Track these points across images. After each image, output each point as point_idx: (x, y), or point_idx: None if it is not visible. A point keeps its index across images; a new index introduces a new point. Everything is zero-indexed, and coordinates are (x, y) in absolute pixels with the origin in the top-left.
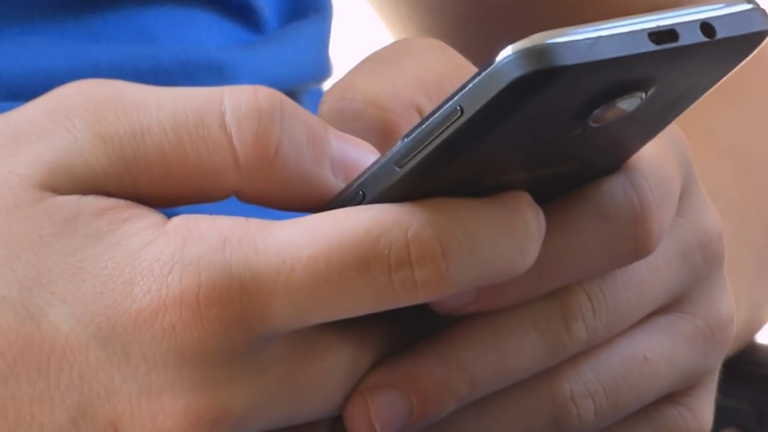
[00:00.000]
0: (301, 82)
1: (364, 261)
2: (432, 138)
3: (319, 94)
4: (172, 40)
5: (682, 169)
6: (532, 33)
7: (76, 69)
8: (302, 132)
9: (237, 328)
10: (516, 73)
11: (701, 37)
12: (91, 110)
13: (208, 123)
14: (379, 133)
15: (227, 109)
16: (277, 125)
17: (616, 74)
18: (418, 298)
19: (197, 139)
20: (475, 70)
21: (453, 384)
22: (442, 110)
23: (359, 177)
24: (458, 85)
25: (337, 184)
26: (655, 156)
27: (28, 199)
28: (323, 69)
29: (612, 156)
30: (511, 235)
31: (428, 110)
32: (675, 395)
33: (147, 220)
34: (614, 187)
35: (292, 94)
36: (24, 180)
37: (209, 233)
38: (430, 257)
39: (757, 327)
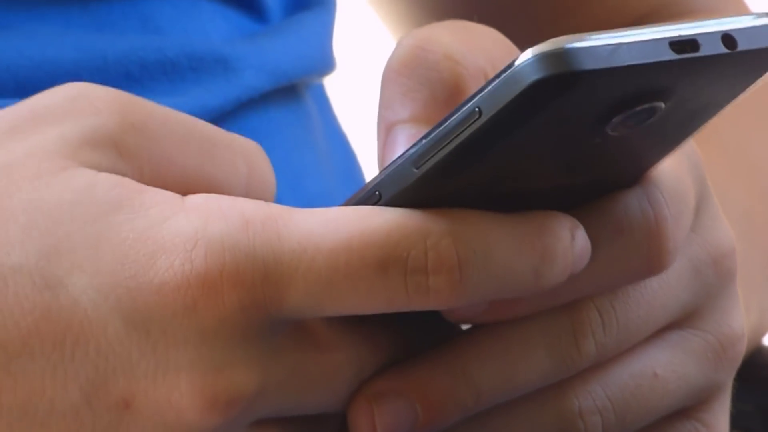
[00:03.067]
0: (305, 75)
1: (383, 261)
2: (450, 139)
3: (321, 89)
4: (176, 29)
5: (696, 184)
6: (532, 33)
7: (83, 61)
8: None
9: (255, 311)
10: (535, 76)
11: (722, 49)
12: (115, 99)
13: (231, 143)
14: (450, 86)
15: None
16: None
17: (636, 82)
18: (429, 305)
19: (219, 156)
20: None
21: (459, 395)
22: (460, 112)
23: (376, 177)
24: None
25: None
26: (672, 170)
27: (52, 167)
28: (327, 62)
29: (629, 169)
30: (528, 254)
31: None
32: (690, 410)
33: (164, 194)
34: (630, 201)
35: (295, 87)
36: (49, 152)
37: (231, 213)
38: (445, 266)
39: (765, 331)
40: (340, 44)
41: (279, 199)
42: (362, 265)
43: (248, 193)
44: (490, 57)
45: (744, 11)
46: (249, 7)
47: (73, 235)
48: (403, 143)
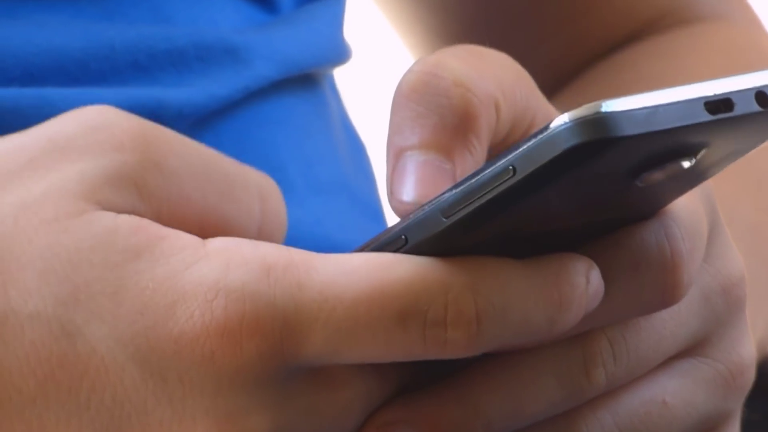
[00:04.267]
0: (317, 65)
1: (403, 313)
2: (482, 194)
3: (332, 80)
4: (186, 18)
5: (708, 213)
6: (540, 37)
7: (91, 50)
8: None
9: (272, 359)
10: (571, 142)
11: (756, 107)
12: (138, 131)
13: (248, 184)
14: (460, 113)
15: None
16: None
17: (669, 141)
18: (444, 355)
19: (237, 196)
20: (536, 88)
21: (469, 425)
22: (494, 167)
23: (403, 221)
24: (526, 97)
25: None
26: (687, 204)
27: (70, 209)
28: (340, 52)
29: (649, 207)
30: (545, 305)
31: (503, 109)
32: None
33: (184, 239)
34: (647, 235)
35: (311, 76)
36: (67, 192)
37: (252, 259)
38: (464, 321)
39: None
40: (350, 38)
41: (290, 186)
42: (382, 317)
43: (261, 232)
44: (501, 83)
45: (751, 16)
46: None
47: (92, 283)
48: (412, 170)
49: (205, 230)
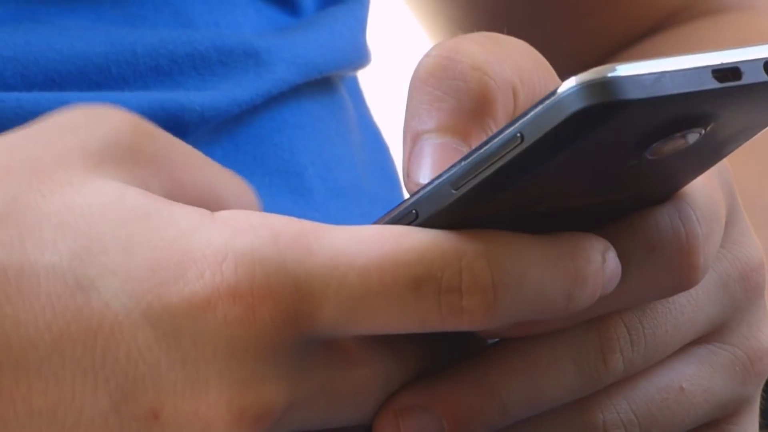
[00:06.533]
0: (338, 68)
1: (416, 280)
2: (490, 162)
3: (355, 81)
4: (208, 22)
5: (726, 198)
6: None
7: (113, 54)
8: None
9: (286, 326)
10: (578, 105)
11: (764, 77)
12: (123, 112)
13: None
14: (477, 97)
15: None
16: None
17: (677, 109)
18: (462, 325)
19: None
20: (555, 76)
21: (485, 410)
22: (502, 136)
23: (414, 195)
24: (545, 84)
25: None
26: (704, 187)
27: (80, 178)
28: (361, 55)
29: (663, 187)
30: (560, 278)
31: (521, 95)
32: (719, 423)
33: (192, 208)
34: (662, 218)
35: (329, 79)
36: (74, 164)
37: (260, 226)
38: (480, 287)
39: None
40: (373, 39)
41: (308, 191)
42: (396, 283)
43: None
44: (519, 69)
45: None
46: (282, 0)
47: (104, 237)
48: (429, 153)
49: (206, 200)
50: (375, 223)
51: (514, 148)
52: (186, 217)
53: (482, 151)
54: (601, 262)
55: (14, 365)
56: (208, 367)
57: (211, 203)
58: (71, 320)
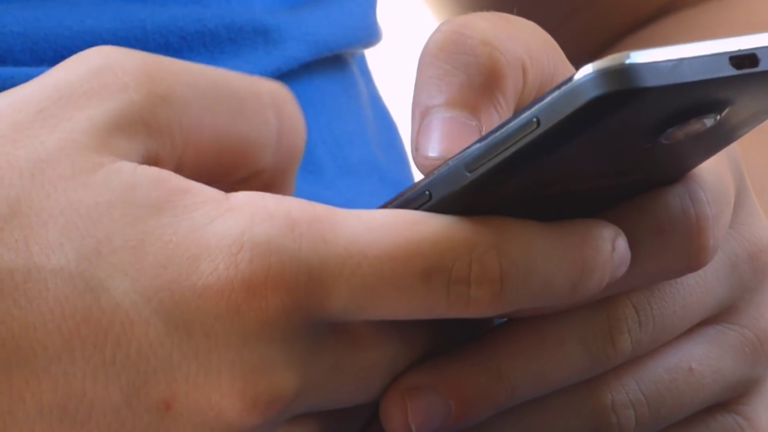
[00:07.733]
0: (349, 46)
1: (428, 271)
2: (506, 146)
3: (363, 59)
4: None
5: (735, 179)
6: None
7: (122, 31)
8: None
9: (297, 314)
10: (596, 92)
11: None
12: (141, 69)
13: (260, 95)
14: (487, 72)
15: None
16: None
17: (693, 96)
18: (467, 313)
19: (249, 110)
20: (563, 57)
21: (493, 390)
22: (518, 120)
23: (427, 177)
24: (554, 64)
25: None
26: (713, 168)
27: (87, 165)
28: (371, 33)
29: (674, 169)
30: (568, 269)
31: (530, 73)
32: (729, 404)
33: (207, 193)
34: (672, 199)
35: (340, 57)
36: (80, 146)
37: (277, 213)
38: (488, 279)
39: None
40: (382, 19)
41: (319, 168)
42: (407, 273)
43: (280, 140)
44: (528, 47)
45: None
46: None
47: (113, 237)
48: (438, 127)
49: (223, 155)
50: (387, 203)
51: (530, 132)
52: (201, 207)
53: (497, 135)
54: (610, 251)
55: (23, 365)
56: (220, 357)
57: (236, 149)
58: (81, 321)
